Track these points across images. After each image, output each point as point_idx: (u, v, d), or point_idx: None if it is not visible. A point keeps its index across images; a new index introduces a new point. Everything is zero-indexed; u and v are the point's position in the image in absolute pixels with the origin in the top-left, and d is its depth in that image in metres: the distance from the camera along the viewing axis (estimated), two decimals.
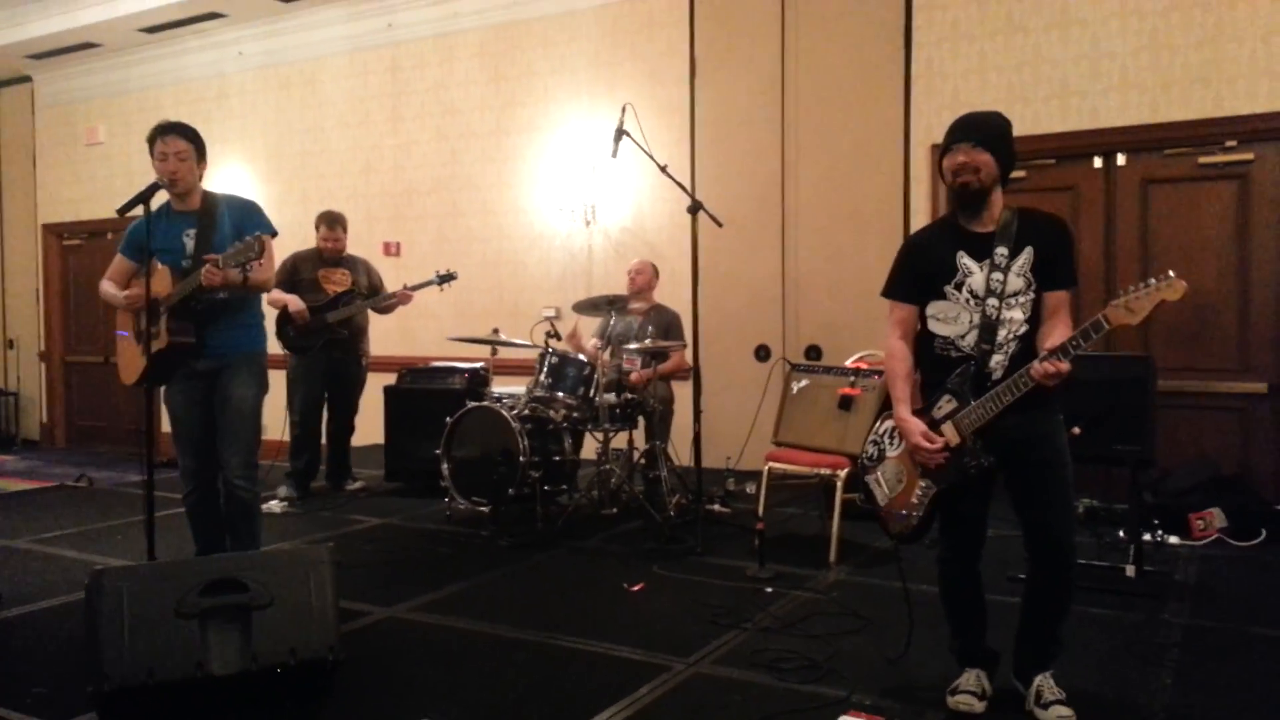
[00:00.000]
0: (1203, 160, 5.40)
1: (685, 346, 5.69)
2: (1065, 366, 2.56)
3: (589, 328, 6.05)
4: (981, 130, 2.78)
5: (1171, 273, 2.50)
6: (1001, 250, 2.75)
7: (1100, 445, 4.03)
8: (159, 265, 3.77)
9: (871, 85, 6.21)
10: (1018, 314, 2.74)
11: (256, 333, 4.01)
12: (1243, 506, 4.84)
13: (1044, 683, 2.80)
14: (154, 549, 3.68)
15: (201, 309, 3.79)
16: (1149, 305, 2.51)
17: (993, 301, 2.74)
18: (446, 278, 6.15)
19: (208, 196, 3.93)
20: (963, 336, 2.78)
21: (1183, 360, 5.42)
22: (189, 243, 3.83)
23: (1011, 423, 2.70)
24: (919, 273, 2.89)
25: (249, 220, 3.90)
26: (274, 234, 3.92)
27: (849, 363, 5.12)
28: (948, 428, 2.77)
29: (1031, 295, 2.74)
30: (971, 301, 2.77)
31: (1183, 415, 5.38)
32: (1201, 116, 5.31)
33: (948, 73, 5.95)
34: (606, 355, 5.38)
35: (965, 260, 2.80)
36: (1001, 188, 2.82)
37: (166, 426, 3.99)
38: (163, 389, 3.98)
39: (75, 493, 6.74)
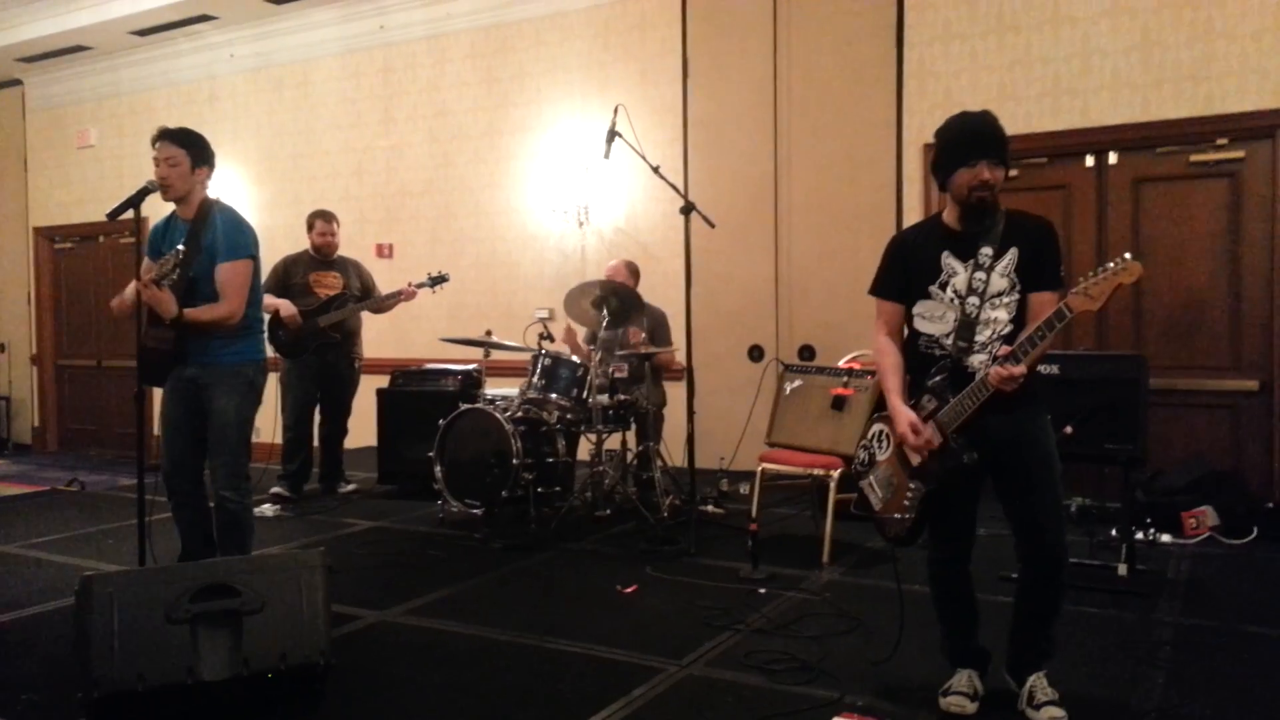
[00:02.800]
0: (1194, 158, 5.40)
1: (675, 349, 5.69)
2: (1019, 370, 2.55)
3: (580, 329, 6.04)
4: (1001, 146, 2.75)
5: (1128, 255, 2.49)
6: (986, 250, 2.75)
7: (1092, 444, 4.05)
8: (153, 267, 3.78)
9: (864, 85, 6.21)
10: (1002, 314, 2.73)
11: (245, 344, 3.90)
12: (1234, 504, 4.85)
13: (1037, 682, 2.80)
14: (145, 554, 3.67)
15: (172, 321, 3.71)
16: (1108, 289, 2.50)
17: (973, 300, 2.75)
18: (438, 280, 6.16)
19: (204, 206, 3.86)
20: (947, 335, 2.79)
21: (1175, 358, 5.43)
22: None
23: (997, 424, 2.70)
24: (904, 272, 2.89)
25: (221, 243, 3.79)
26: (244, 259, 3.81)
27: (842, 363, 5.12)
28: (929, 427, 2.77)
29: (1016, 296, 2.74)
30: (955, 300, 2.78)
31: (1174, 413, 5.39)
32: (1193, 115, 5.31)
33: (939, 72, 5.95)
34: (597, 357, 5.37)
35: (949, 260, 2.80)
36: None
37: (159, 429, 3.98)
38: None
39: (67, 497, 6.71)
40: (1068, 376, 4.19)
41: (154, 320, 3.73)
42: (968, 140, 2.76)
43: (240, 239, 3.86)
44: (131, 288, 3.75)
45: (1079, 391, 4.12)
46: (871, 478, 2.97)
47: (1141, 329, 5.55)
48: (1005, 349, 2.62)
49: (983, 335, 2.74)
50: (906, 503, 2.85)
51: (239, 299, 3.80)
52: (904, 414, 2.80)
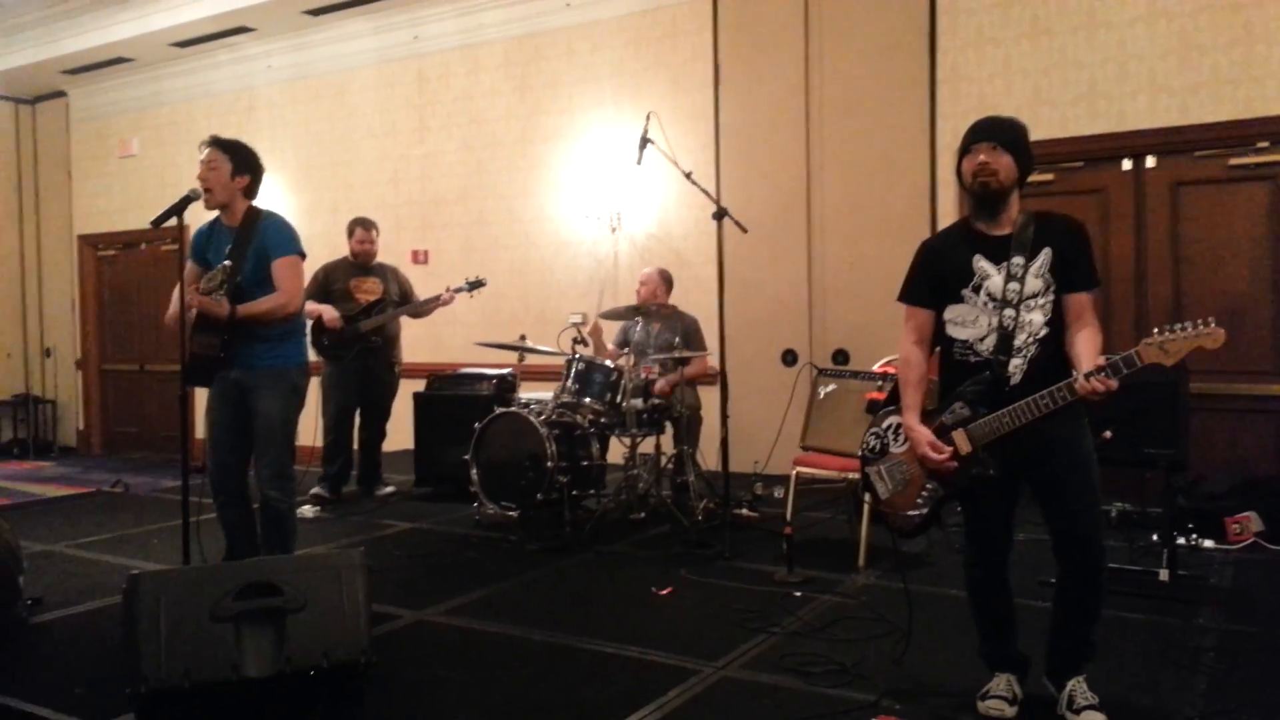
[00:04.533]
0: (1233, 162, 5.34)
1: (707, 354, 5.69)
2: (1114, 385, 2.53)
3: (609, 327, 6.06)
4: (1004, 132, 2.80)
5: (1212, 320, 2.46)
6: (1018, 259, 2.74)
7: (1132, 449, 4.01)
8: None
9: (896, 90, 6.20)
10: (1037, 316, 2.72)
11: (289, 348, 3.98)
12: (1278, 510, 4.77)
13: (1076, 687, 2.78)
14: (189, 553, 3.74)
15: (225, 322, 3.80)
16: (1185, 349, 2.47)
17: (1009, 312, 2.73)
18: (476, 284, 6.23)
19: (250, 214, 3.95)
20: (981, 340, 2.77)
21: (1215, 363, 5.29)
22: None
23: (1034, 428, 2.68)
24: (935, 277, 2.89)
25: (272, 242, 3.90)
26: (295, 255, 3.92)
27: (876, 367, 5.11)
28: (959, 435, 2.75)
29: (1051, 297, 2.72)
30: (990, 305, 2.76)
31: (1216, 418, 5.32)
32: (1232, 118, 5.25)
33: (973, 77, 5.92)
34: (630, 362, 5.40)
35: (982, 263, 2.79)
36: (1019, 191, 2.82)
37: (203, 432, 4.05)
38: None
39: (112, 498, 6.84)
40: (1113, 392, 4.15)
41: (201, 326, 3.80)
42: (967, 135, 2.85)
43: (288, 238, 3.96)
44: (176, 297, 3.82)
45: (1118, 396, 4.07)
46: (881, 466, 2.97)
47: None
48: (1102, 359, 2.55)
49: (1019, 339, 2.72)
50: (920, 500, 2.85)
51: (294, 289, 3.89)
52: (922, 434, 2.80)
